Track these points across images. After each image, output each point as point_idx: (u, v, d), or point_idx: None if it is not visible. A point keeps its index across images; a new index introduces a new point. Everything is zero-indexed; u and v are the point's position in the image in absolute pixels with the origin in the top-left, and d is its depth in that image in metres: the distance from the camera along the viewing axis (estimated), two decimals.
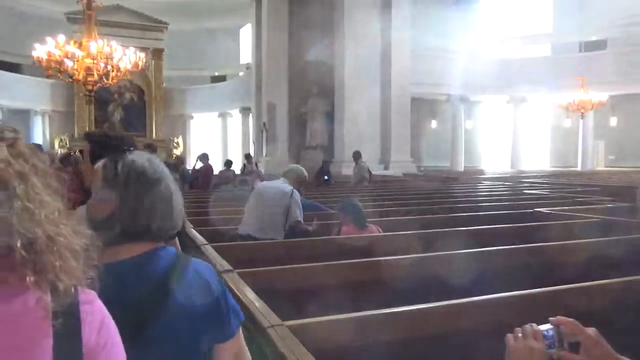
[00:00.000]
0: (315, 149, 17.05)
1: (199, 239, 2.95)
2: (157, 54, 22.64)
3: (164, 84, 23.93)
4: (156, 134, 23.50)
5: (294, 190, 3.49)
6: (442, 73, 18.57)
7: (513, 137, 19.54)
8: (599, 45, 19.47)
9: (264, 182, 3.93)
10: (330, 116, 16.92)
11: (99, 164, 1.21)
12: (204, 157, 10.05)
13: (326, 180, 10.21)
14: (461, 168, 18.93)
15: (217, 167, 22.33)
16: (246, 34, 24.77)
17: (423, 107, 20.26)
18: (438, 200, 6.48)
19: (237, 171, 12.14)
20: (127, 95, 22.70)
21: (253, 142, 19.84)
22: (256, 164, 11.13)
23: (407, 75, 17.02)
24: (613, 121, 19.32)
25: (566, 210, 4.88)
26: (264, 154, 17.67)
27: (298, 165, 3.95)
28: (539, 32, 21.59)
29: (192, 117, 25.37)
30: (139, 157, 1.19)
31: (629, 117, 18.95)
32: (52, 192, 0.74)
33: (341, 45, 16.14)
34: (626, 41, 18.35)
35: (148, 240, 1.13)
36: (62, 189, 0.77)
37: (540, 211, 4.81)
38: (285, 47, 17.29)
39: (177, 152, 24.53)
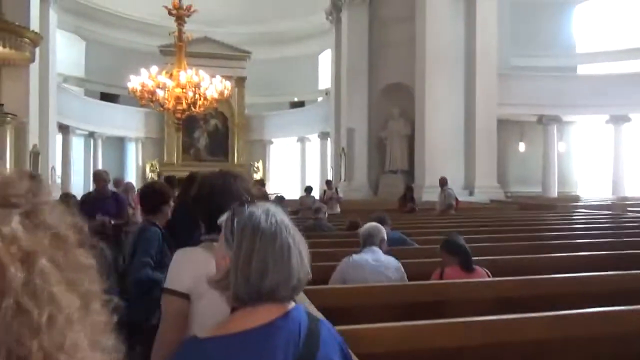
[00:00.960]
0: (395, 173, 16.62)
1: None
2: (239, 82, 23.49)
3: (246, 111, 24.74)
4: (238, 159, 24.22)
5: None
6: (531, 92, 17.45)
7: (614, 160, 17.82)
8: None
9: (364, 258, 3.00)
10: (410, 140, 16.47)
11: (222, 218, 1.18)
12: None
13: (411, 207, 9.73)
14: (554, 194, 17.51)
15: (296, 193, 22.69)
16: (325, 59, 25.08)
17: (510, 129, 19.11)
18: (541, 233, 5.81)
19: (317, 197, 12.00)
20: (212, 122, 23.69)
21: (331, 167, 19.76)
22: (336, 189, 10.91)
23: (493, 96, 16.20)
24: None
25: None
26: (343, 178, 17.49)
27: (377, 225, 3.31)
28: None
29: (271, 142, 25.92)
30: (257, 209, 1.14)
31: None
32: (77, 274, 0.48)
33: (422, 66, 15.73)
34: None
35: (269, 301, 1.08)
36: (96, 265, 0.52)
37: None
38: (365, 71, 17.19)
39: (257, 176, 25.12)
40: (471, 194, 15.63)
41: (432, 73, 15.57)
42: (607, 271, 3.24)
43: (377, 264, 2.92)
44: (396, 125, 16.62)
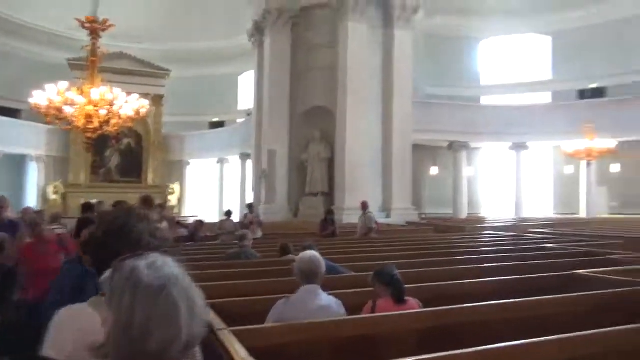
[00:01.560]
0: (316, 196, 16.73)
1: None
2: (157, 100, 22.66)
3: (163, 130, 23.85)
4: (153, 180, 23.18)
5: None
6: (443, 120, 18.56)
7: (516, 184, 19.33)
8: (598, 93, 19.64)
9: (303, 300, 2.78)
10: (330, 163, 16.71)
11: (104, 276, 1.07)
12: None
13: (333, 231, 9.78)
14: (464, 215, 18.59)
15: (215, 215, 22.08)
16: (246, 80, 24.98)
17: (424, 153, 20.14)
18: (462, 257, 6.06)
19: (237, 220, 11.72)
20: (125, 141, 22.53)
21: (252, 189, 19.49)
22: (258, 214, 10.72)
23: (409, 122, 16.97)
24: (615, 168, 19.20)
25: (610, 272, 4.49)
26: (263, 200, 17.29)
27: (317, 256, 3.00)
28: (539, 80, 21.85)
29: (189, 163, 25.14)
30: (141, 263, 1.03)
31: (630, 164, 18.85)
32: None
33: (343, 91, 16.13)
34: (625, 89, 18.54)
35: None
36: None
37: (580, 274, 4.40)
38: (287, 93, 17.26)
39: (173, 198, 24.18)
40: (388, 216, 16.12)
41: (352, 98, 16.01)
42: (524, 295, 3.42)
43: (319, 307, 2.72)
44: (317, 148, 16.80)
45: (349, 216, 14.13)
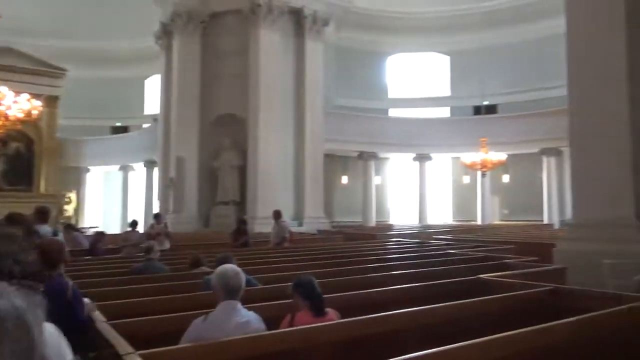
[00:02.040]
0: (227, 204, 16.37)
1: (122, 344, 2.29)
2: (51, 101, 20.88)
3: (58, 134, 22.00)
4: (46, 188, 21.27)
5: None
6: (353, 130, 19.08)
7: (419, 193, 20.36)
8: (491, 109, 21.36)
9: (222, 319, 2.58)
10: (242, 171, 16.45)
11: None
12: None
13: (245, 241, 9.57)
14: (373, 223, 19.20)
15: (116, 226, 20.74)
16: (153, 84, 23.86)
17: (334, 162, 20.55)
18: (373, 265, 6.19)
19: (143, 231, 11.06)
20: (13, 146, 20.47)
21: (158, 198, 18.59)
22: (165, 223, 10.20)
23: (320, 131, 17.23)
24: (505, 178, 20.94)
25: (509, 276, 4.83)
26: (170, 210, 16.55)
27: (237, 269, 2.83)
28: (440, 95, 23.28)
29: (88, 170, 23.41)
30: None
31: (518, 175, 20.69)
32: None
33: (255, 99, 15.99)
34: (514, 107, 20.37)
35: None
36: None
37: (484, 278, 4.68)
38: (197, 100, 16.75)
39: (70, 208, 22.40)
40: (300, 224, 16.19)
41: (264, 106, 15.94)
42: (435, 301, 3.54)
43: (239, 323, 2.56)
44: (228, 155, 16.46)
45: (261, 225, 13.98)
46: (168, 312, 3.27)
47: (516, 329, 2.61)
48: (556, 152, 18.86)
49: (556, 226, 18.42)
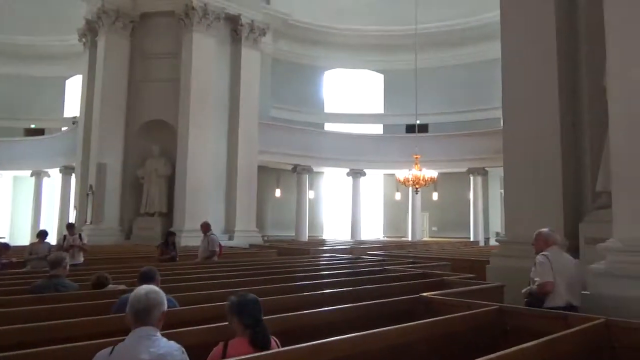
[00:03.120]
0: (152, 216, 15.39)
1: None
2: None
3: None
4: None
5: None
6: (287, 143, 18.78)
7: (352, 208, 20.35)
8: (423, 128, 21.88)
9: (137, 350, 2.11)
10: (170, 181, 15.56)
11: None
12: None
13: (172, 255, 8.85)
14: (305, 238, 18.88)
15: (26, 238, 18.90)
16: (74, 84, 22.27)
17: (268, 175, 20.08)
18: (310, 282, 5.81)
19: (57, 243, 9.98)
20: None
21: (75, 207, 17.13)
22: (80, 235, 9.24)
23: (254, 143, 16.75)
24: (435, 196, 21.48)
25: (452, 294, 4.65)
26: (89, 220, 15.28)
27: (157, 290, 2.35)
28: (373, 112, 23.61)
29: None
30: None
31: (447, 193, 21.30)
32: None
33: (186, 105, 15.24)
34: (445, 126, 21.03)
35: None
36: None
37: (427, 297, 4.45)
38: (123, 103, 15.71)
39: None
40: (231, 238, 15.52)
41: (196, 113, 15.21)
42: (377, 322, 3.25)
43: (155, 356, 2.06)
44: (156, 164, 15.52)
45: (189, 238, 13.24)
46: (73, 339, 2.72)
47: (465, 351, 2.37)
48: (483, 172, 19.63)
49: (482, 243, 19.09)
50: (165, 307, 2.29)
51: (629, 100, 4.72)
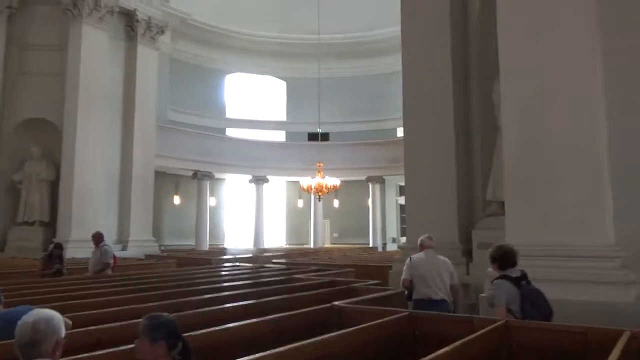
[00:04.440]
0: (32, 225, 13.86)
1: None
2: None
3: None
4: None
5: None
6: (188, 147, 18.03)
7: (255, 216, 20.06)
8: (325, 137, 22.28)
9: None
10: (54, 186, 14.13)
11: None
12: None
13: (58, 269, 7.94)
14: (206, 247, 18.20)
15: None
16: None
17: (166, 181, 19.07)
18: (217, 294, 5.50)
19: None
20: None
21: None
22: None
23: (151, 146, 15.84)
24: (336, 203, 21.94)
25: (363, 302, 4.67)
26: None
27: (52, 315, 2.04)
28: (276, 119, 23.55)
29: None
30: None
31: (347, 200, 21.89)
32: None
33: (73, 102, 13.93)
34: (346, 135, 21.60)
35: None
36: None
37: (339, 306, 4.41)
38: None
39: None
40: (125, 248, 14.48)
41: (84, 111, 13.98)
42: (292, 334, 3.13)
43: None
44: (36, 167, 13.99)
45: (76, 249, 12.07)
46: None
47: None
48: (380, 180, 20.44)
49: (379, 248, 19.83)
50: (63, 334, 1.97)
51: (520, 108, 5.09)
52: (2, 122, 14.06)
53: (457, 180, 7.61)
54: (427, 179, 7.91)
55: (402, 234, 20.76)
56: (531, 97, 5.00)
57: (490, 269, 4.12)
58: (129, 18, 15.63)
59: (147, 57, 15.90)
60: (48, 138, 14.05)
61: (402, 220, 20.87)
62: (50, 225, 13.88)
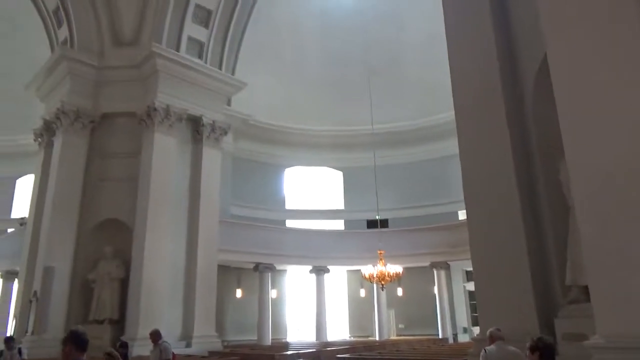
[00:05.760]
0: (102, 323, 14.20)
1: None
2: None
3: None
4: None
5: None
6: (248, 241, 18.37)
7: (317, 307, 19.60)
8: (384, 223, 22.07)
9: None
10: (124, 285, 14.61)
11: None
12: None
13: None
14: (269, 342, 17.79)
15: None
16: (25, 185, 21.48)
17: (228, 275, 19.30)
18: None
19: None
20: None
21: (14, 317, 15.64)
22: (19, 349, 8.28)
23: (214, 242, 16.25)
24: (399, 291, 21.13)
25: None
26: (30, 331, 13.88)
27: None
28: (334, 208, 23.77)
29: None
30: None
31: (411, 288, 21.03)
32: None
33: (144, 204, 14.79)
34: (405, 221, 21.30)
35: None
36: None
37: None
38: (77, 203, 15.09)
39: None
40: (189, 345, 14.42)
41: (153, 212, 14.74)
42: None
43: None
44: (108, 266, 14.64)
45: (143, 347, 12.13)
46: None
47: None
48: (445, 265, 19.64)
49: (450, 340, 18.56)
50: None
51: (593, 191, 4.83)
52: (81, 225, 15.03)
53: (530, 264, 7.17)
54: (497, 264, 7.51)
55: (474, 323, 19.42)
56: (604, 172, 4.76)
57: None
58: (195, 123, 16.84)
59: (211, 157, 16.84)
60: (120, 238, 14.81)
61: (472, 308, 19.63)
62: (119, 322, 14.17)
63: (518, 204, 7.33)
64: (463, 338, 19.00)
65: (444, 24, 9.13)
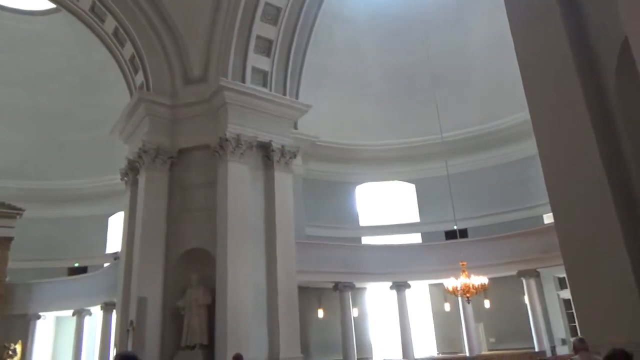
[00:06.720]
0: (193, 349, 14.75)
1: None
2: (4, 243, 19.61)
3: (7, 278, 20.34)
4: None
5: None
6: (326, 260, 18.43)
7: (400, 324, 19.17)
8: (463, 233, 21.32)
9: None
10: (211, 310, 15.14)
11: None
12: None
13: None
14: None
15: None
16: (116, 221, 23.10)
17: (309, 295, 19.43)
18: None
19: None
20: None
21: (115, 345, 16.69)
22: None
23: (293, 262, 16.45)
24: (487, 303, 20.15)
25: None
26: None
27: None
28: (409, 222, 23.33)
29: (38, 317, 21.29)
30: None
31: (499, 299, 19.99)
32: None
33: (223, 231, 15.33)
34: (485, 229, 20.43)
35: None
36: None
37: None
38: (163, 236, 15.93)
39: None
40: None
41: (233, 239, 15.23)
42: None
43: None
44: (195, 293, 15.24)
45: None
46: None
47: None
48: (535, 274, 18.52)
49: (549, 353, 17.35)
50: None
51: None
52: (168, 256, 15.84)
53: (633, 265, 6.57)
54: (593, 269, 6.96)
55: (573, 333, 18.04)
56: None
57: None
58: (265, 149, 17.32)
59: (283, 181, 17.19)
60: (204, 266, 15.40)
61: (570, 317, 18.27)
62: (209, 347, 14.65)
63: (611, 203, 6.78)
64: (561, 350, 17.69)
65: (507, 22, 8.79)
